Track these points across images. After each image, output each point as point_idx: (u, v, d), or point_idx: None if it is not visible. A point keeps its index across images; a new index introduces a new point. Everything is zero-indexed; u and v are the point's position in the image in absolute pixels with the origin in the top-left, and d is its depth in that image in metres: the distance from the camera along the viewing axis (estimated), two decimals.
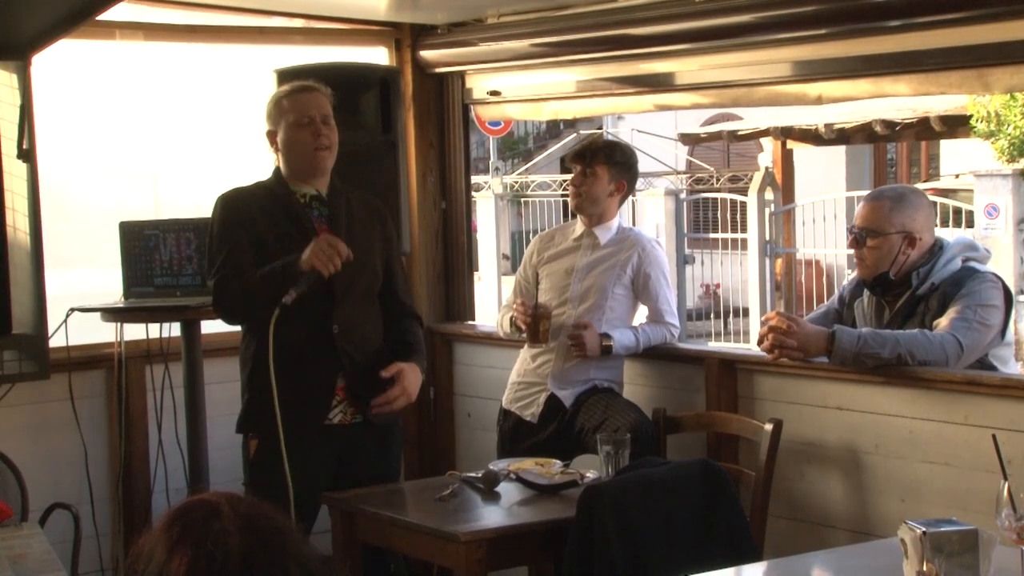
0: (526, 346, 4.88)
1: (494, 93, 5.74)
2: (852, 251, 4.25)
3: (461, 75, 5.80)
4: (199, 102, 5.53)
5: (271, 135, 4.28)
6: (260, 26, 5.57)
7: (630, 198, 5.11)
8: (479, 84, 5.78)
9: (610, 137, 17.01)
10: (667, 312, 4.81)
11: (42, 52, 4.64)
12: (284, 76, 4.99)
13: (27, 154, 4.60)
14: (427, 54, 5.72)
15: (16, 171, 4.62)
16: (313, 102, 4.24)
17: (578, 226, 4.89)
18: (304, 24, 5.68)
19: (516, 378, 4.91)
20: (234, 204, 4.27)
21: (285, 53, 5.40)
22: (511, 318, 4.81)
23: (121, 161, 5.41)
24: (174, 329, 5.01)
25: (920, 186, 14.61)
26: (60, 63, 5.00)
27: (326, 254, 3.99)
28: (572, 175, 4.85)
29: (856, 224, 4.22)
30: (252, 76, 5.29)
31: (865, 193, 10.49)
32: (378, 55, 5.75)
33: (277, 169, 4.33)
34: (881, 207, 4.18)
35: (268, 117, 4.30)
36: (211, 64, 5.55)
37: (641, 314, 4.93)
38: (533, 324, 4.69)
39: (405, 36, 5.76)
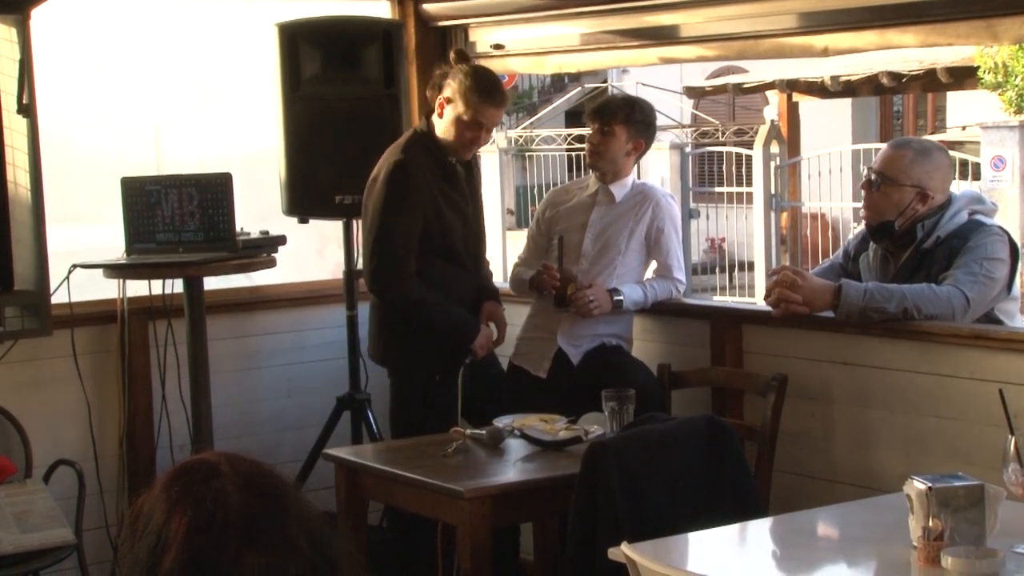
0: (534, 302, 4.87)
1: (497, 47, 5.69)
2: (863, 192, 4.22)
3: (464, 28, 5.74)
4: (200, 56, 5.49)
5: (446, 99, 4.60)
6: None
7: None
8: (482, 37, 5.73)
9: (613, 91, 16.93)
10: (675, 267, 4.79)
11: (41, 5, 4.60)
12: (285, 30, 4.95)
13: (27, 109, 4.57)
14: (430, 7, 5.67)
15: (16, 126, 4.59)
16: (496, 117, 4.69)
17: (592, 181, 4.86)
18: None
19: (523, 334, 4.89)
20: (415, 174, 4.58)
21: (287, 6, 5.35)
22: (531, 279, 4.78)
23: (123, 116, 5.37)
24: (177, 285, 4.99)
25: (926, 138, 14.55)
26: (60, 16, 4.95)
27: (485, 348, 4.75)
28: (589, 132, 4.81)
29: (874, 167, 4.19)
30: (254, 29, 5.25)
31: (872, 146, 10.39)
32: (380, 8, 5.69)
33: (430, 125, 4.66)
34: (903, 156, 4.14)
35: (453, 91, 4.60)
36: (212, 17, 5.50)
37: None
38: (561, 288, 4.66)
39: None
